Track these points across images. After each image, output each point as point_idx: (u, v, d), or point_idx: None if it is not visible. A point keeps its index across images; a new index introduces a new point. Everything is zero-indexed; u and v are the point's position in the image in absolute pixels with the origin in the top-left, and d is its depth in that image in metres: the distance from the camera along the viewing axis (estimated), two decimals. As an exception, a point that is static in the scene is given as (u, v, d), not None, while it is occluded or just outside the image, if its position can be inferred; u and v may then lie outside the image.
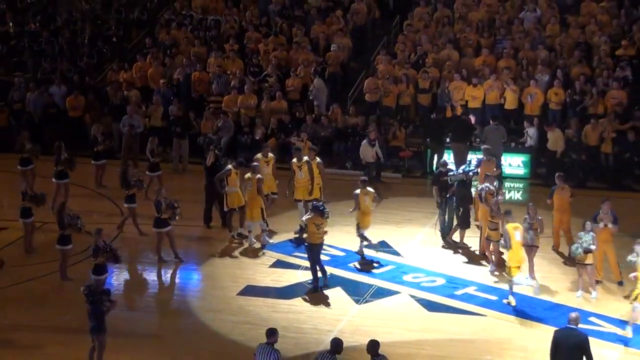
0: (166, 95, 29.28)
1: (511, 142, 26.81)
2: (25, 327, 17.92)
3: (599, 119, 26.08)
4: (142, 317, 18.60)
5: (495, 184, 21.15)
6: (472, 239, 21.51)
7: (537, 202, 20.66)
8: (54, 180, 23.33)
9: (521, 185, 26.45)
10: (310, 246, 19.24)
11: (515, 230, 18.63)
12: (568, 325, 14.39)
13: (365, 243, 20.97)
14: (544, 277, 19.72)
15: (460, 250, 21.35)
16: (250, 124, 28.34)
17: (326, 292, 19.19)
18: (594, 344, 16.39)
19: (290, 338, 17.22)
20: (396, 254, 21.20)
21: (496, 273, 19.97)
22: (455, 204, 21.37)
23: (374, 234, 22.14)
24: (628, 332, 17.35)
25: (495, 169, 22.31)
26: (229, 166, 21.78)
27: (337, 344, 13.88)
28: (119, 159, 26.91)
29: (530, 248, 19.40)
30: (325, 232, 19.55)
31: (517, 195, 25.92)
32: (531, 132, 26.56)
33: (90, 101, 29.57)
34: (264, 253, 21.27)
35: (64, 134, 26.52)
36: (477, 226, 21.43)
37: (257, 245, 21.56)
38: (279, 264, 20.68)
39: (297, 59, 30.03)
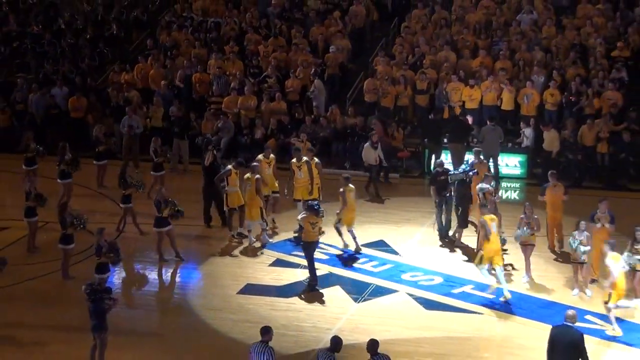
0: (167, 97, 29.28)
1: (508, 142, 26.80)
2: (27, 325, 17.91)
3: (594, 119, 26.09)
4: (143, 315, 18.59)
5: (492, 183, 21.14)
6: (470, 238, 21.46)
7: (533, 202, 20.66)
8: (58, 180, 23.33)
9: (518, 185, 26.44)
10: (306, 244, 19.26)
11: (492, 222, 18.74)
12: (564, 323, 14.36)
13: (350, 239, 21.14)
14: (540, 276, 19.71)
15: (458, 249, 21.33)
16: (250, 124, 28.34)
17: (325, 290, 19.18)
18: (590, 341, 16.42)
19: (290, 336, 17.23)
20: (394, 253, 21.18)
21: (493, 272, 19.92)
22: (455, 203, 21.35)
23: (373, 233, 22.18)
24: (616, 330, 17.34)
25: (487, 171, 22.28)
26: (229, 166, 21.78)
27: (336, 342, 13.86)
28: (120, 159, 26.91)
29: (526, 247, 19.39)
30: (323, 232, 19.52)
31: (514, 195, 25.90)
32: (527, 132, 26.56)
33: (92, 102, 29.57)
34: (262, 252, 21.23)
35: (66, 135, 26.47)
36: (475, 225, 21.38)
37: (257, 244, 21.54)
38: (278, 263, 20.67)
39: (296, 61, 30.01)
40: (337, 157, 27.79)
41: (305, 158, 22.27)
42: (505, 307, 18.43)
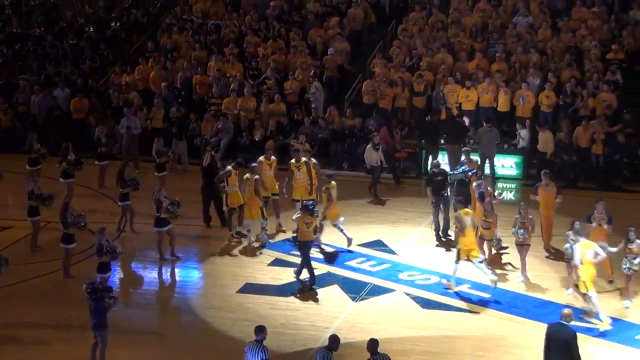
0: (167, 98, 29.28)
1: (504, 143, 26.80)
2: (28, 324, 17.90)
3: (589, 121, 26.10)
4: (143, 314, 18.58)
5: (492, 184, 21.19)
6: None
7: (528, 202, 20.69)
8: (61, 179, 23.32)
9: (514, 186, 26.43)
10: (301, 244, 19.31)
11: (467, 216, 18.87)
12: (560, 321, 14.39)
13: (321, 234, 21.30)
14: (535, 276, 19.71)
15: (454, 249, 21.31)
16: (249, 126, 28.36)
17: (323, 289, 19.18)
18: (584, 340, 16.43)
19: (289, 335, 17.25)
20: (392, 252, 21.18)
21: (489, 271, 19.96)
22: (454, 203, 21.36)
23: (371, 233, 22.19)
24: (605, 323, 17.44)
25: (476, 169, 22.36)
26: (229, 167, 21.79)
27: (333, 340, 13.86)
28: (121, 160, 26.88)
29: (522, 247, 19.40)
30: (318, 232, 19.58)
31: (510, 196, 25.90)
32: (523, 134, 26.57)
33: (93, 104, 29.57)
34: (261, 252, 21.22)
35: (68, 136, 26.45)
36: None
37: (256, 244, 21.52)
38: (277, 263, 20.66)
39: (295, 63, 30.01)
40: (336, 158, 27.80)
41: (304, 159, 22.27)
42: (501, 306, 18.44)
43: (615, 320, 17.78)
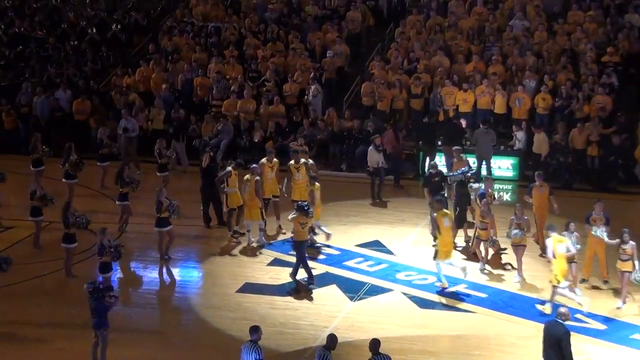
0: (168, 100, 29.30)
1: (500, 145, 26.83)
2: (30, 323, 17.92)
3: (584, 123, 26.12)
4: (143, 314, 18.58)
5: (493, 186, 21.25)
6: (460, 238, 21.54)
7: (524, 203, 20.73)
8: (63, 180, 23.34)
9: (510, 187, 26.44)
10: (297, 244, 19.34)
11: (443, 217, 19.02)
12: (555, 319, 14.50)
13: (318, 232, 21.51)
14: (531, 276, 19.73)
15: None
16: (249, 127, 28.37)
17: (322, 289, 19.20)
18: (579, 339, 16.47)
19: (288, 334, 17.27)
20: (389, 253, 21.20)
21: (485, 271, 20.00)
22: (454, 204, 21.40)
23: (369, 233, 22.22)
24: (547, 308, 17.82)
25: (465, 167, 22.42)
26: (229, 168, 21.81)
27: (332, 339, 13.89)
28: (121, 160, 26.88)
29: (518, 247, 19.43)
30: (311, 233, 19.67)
31: (506, 197, 25.91)
32: (520, 135, 26.60)
33: (95, 105, 29.58)
34: (261, 252, 21.24)
35: (70, 137, 26.44)
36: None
37: (256, 244, 21.54)
38: (276, 262, 20.67)
39: (294, 65, 30.03)
40: (334, 159, 27.81)
41: (303, 160, 22.29)
42: (497, 306, 18.47)
43: (609, 320, 17.85)
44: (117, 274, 19.70)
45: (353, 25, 31.83)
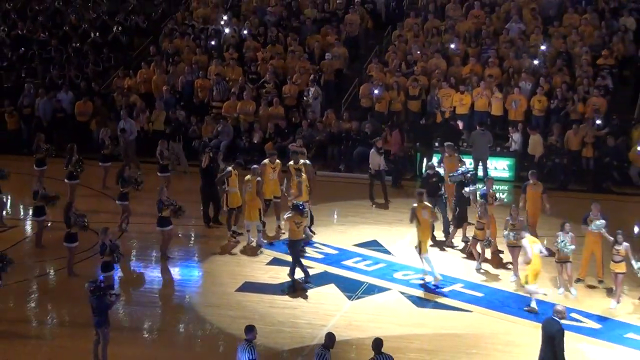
0: (169, 101, 29.30)
1: (497, 146, 26.83)
2: (33, 321, 17.96)
3: (580, 124, 26.14)
4: (144, 312, 18.53)
5: (493, 187, 21.27)
6: (459, 238, 21.54)
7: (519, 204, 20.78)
8: (65, 180, 23.33)
9: (506, 188, 26.43)
10: (291, 243, 19.36)
11: (423, 210, 19.21)
12: (551, 316, 14.56)
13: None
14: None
15: (447, 249, 21.37)
16: (248, 128, 28.37)
17: (320, 288, 19.19)
18: (574, 338, 16.48)
19: (287, 332, 17.26)
20: (387, 252, 21.20)
21: (482, 271, 20.00)
22: (454, 204, 21.40)
23: (367, 233, 22.22)
24: (534, 308, 17.92)
25: (458, 164, 22.41)
26: (229, 168, 21.81)
27: (330, 338, 13.87)
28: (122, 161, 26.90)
29: (514, 248, 19.41)
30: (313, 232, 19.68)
31: (502, 197, 25.89)
32: (516, 137, 26.61)
33: (97, 107, 29.58)
34: (262, 252, 21.24)
35: (72, 138, 26.44)
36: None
37: (255, 244, 21.53)
38: (275, 262, 20.65)
39: (293, 67, 30.02)
40: (333, 160, 27.81)
41: (302, 160, 22.29)
42: (493, 305, 18.47)
43: (604, 319, 17.86)
44: (118, 273, 19.68)
45: (351, 28, 31.83)
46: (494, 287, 19.27)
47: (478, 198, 20.64)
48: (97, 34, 32.90)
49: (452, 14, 31.66)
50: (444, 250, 21.32)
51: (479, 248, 20.21)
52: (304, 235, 20.01)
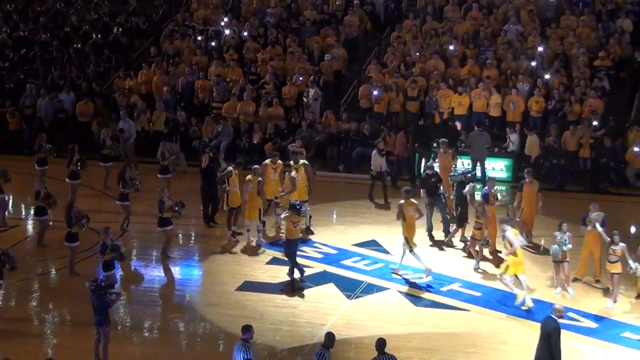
0: (169, 102, 29.29)
1: (494, 147, 26.84)
2: (34, 319, 17.94)
3: (577, 126, 26.15)
4: (144, 311, 18.52)
5: (495, 187, 21.27)
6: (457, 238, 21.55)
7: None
8: (67, 180, 23.33)
9: (504, 188, 26.42)
10: (288, 242, 19.37)
11: (409, 206, 19.43)
12: (550, 314, 14.61)
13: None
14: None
15: (446, 248, 21.38)
16: (248, 129, 28.37)
17: (319, 288, 19.20)
18: (571, 337, 16.48)
19: (286, 331, 17.27)
20: (386, 252, 21.20)
21: (480, 270, 20.00)
22: (454, 204, 21.38)
23: (365, 233, 22.22)
24: (528, 303, 18.00)
25: (452, 161, 22.44)
26: (230, 168, 21.82)
27: (329, 338, 13.88)
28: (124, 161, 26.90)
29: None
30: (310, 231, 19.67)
31: (503, 198, 25.89)
32: (513, 138, 26.62)
33: (98, 107, 29.58)
34: (263, 251, 21.23)
35: (73, 138, 26.44)
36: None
37: (254, 243, 21.52)
38: (275, 261, 20.64)
39: (293, 68, 30.02)
40: (332, 160, 27.81)
41: (301, 161, 22.29)
42: (491, 304, 18.48)
43: (601, 318, 17.87)
44: (118, 272, 19.67)
45: (350, 30, 31.85)
46: (491, 287, 19.26)
47: (476, 197, 20.63)
48: (98, 35, 32.96)
49: (451, 15, 31.70)
50: (442, 249, 21.31)
51: (477, 248, 20.20)
52: (300, 235, 20.00)
